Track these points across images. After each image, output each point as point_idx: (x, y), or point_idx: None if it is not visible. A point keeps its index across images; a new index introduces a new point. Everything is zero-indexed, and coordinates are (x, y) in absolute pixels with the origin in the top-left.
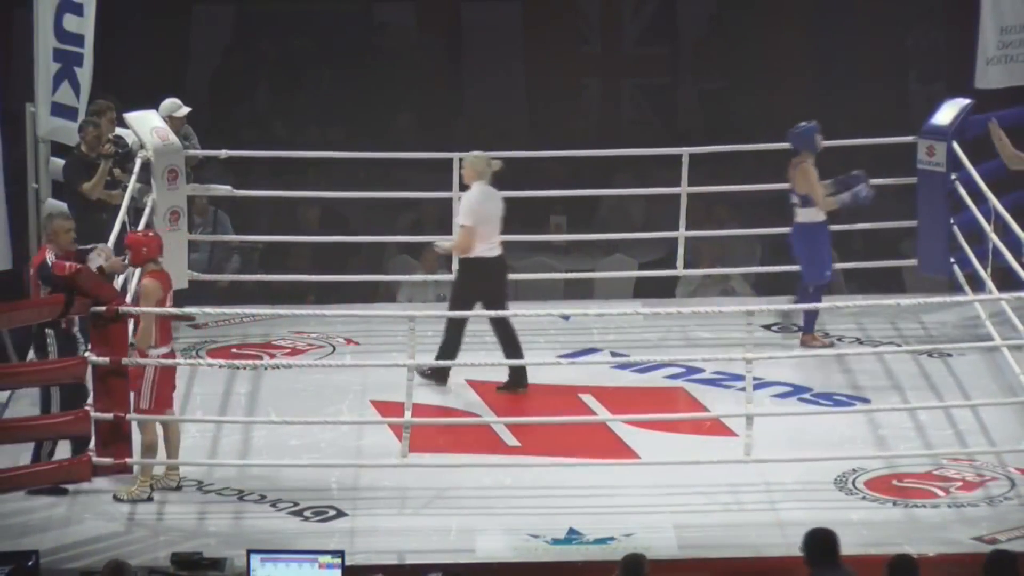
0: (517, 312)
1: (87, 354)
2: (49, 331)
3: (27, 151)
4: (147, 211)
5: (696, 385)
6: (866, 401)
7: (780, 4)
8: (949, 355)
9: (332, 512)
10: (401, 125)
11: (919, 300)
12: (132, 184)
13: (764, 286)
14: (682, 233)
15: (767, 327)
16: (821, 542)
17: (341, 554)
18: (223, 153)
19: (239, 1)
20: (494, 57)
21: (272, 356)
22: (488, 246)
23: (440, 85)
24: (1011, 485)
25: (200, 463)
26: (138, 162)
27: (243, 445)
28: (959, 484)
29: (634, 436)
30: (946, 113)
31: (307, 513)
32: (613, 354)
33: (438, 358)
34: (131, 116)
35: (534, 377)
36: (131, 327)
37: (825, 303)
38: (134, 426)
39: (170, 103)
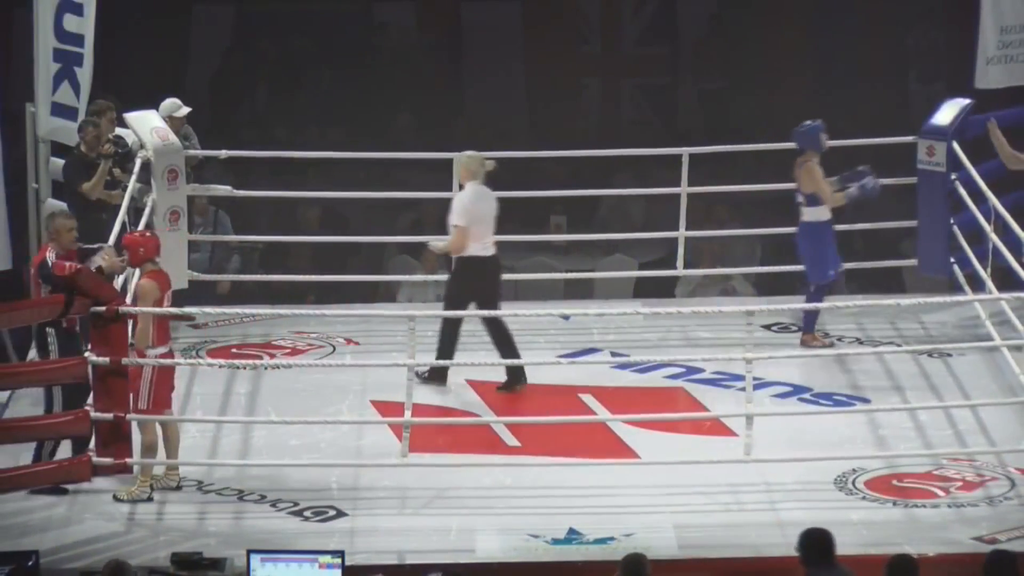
0: (517, 312)
1: (87, 354)
2: (50, 330)
3: (27, 151)
4: (147, 211)
5: (696, 385)
6: (866, 401)
7: (780, 4)
8: (949, 355)
9: (332, 512)
10: (401, 125)
11: (919, 300)
12: (132, 184)
13: (764, 286)
14: (682, 233)
15: (767, 327)
16: (817, 542)
17: (341, 554)
18: (223, 153)
19: (239, 1)
20: (494, 57)
21: (272, 356)
22: (482, 245)
23: (440, 85)
24: (1011, 485)
25: (200, 463)
26: (138, 162)
27: (243, 445)
28: (959, 484)
29: (634, 436)
30: (946, 113)
31: (307, 513)
32: (613, 354)
33: (436, 359)
34: (131, 116)
35: (534, 377)
36: (130, 327)
37: (825, 303)
38: (134, 426)
39: (170, 103)
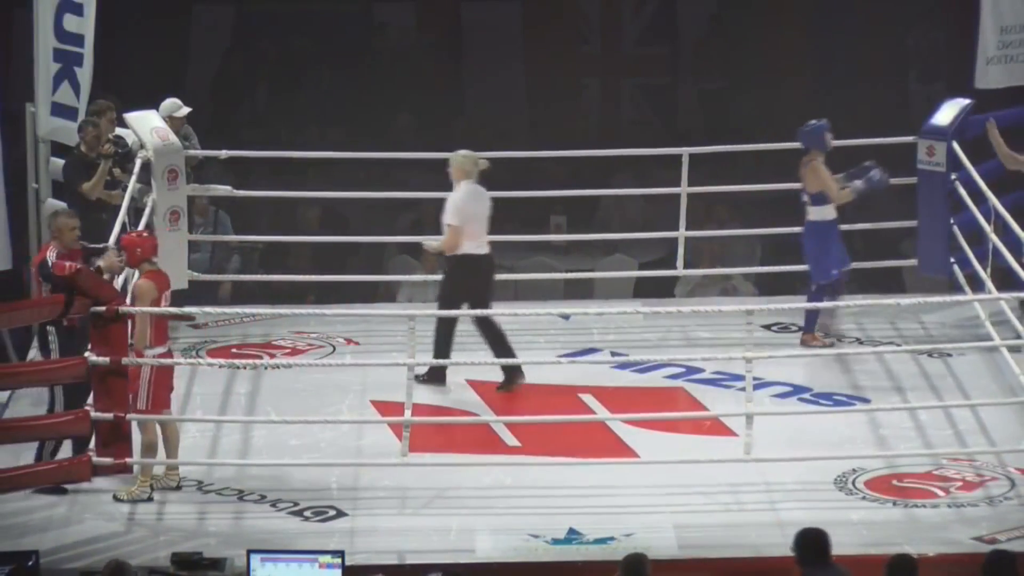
0: (517, 312)
1: (87, 354)
2: (51, 328)
3: (27, 151)
4: (147, 211)
5: (696, 385)
6: (866, 401)
7: (780, 4)
8: (949, 355)
9: (332, 512)
10: (401, 125)
11: (919, 300)
12: (132, 184)
13: (765, 286)
14: (682, 233)
15: (767, 327)
16: (812, 542)
17: (341, 554)
18: (223, 153)
19: (239, 1)
20: (494, 57)
21: (272, 356)
22: (476, 244)
23: (440, 85)
24: (1011, 485)
25: (200, 463)
26: (138, 162)
27: (243, 445)
28: (959, 484)
29: (634, 436)
30: (946, 113)
31: (307, 513)
32: (613, 354)
33: (435, 357)
34: (131, 116)
35: (534, 377)
36: (128, 328)
37: (826, 303)
38: (134, 426)
39: (170, 103)
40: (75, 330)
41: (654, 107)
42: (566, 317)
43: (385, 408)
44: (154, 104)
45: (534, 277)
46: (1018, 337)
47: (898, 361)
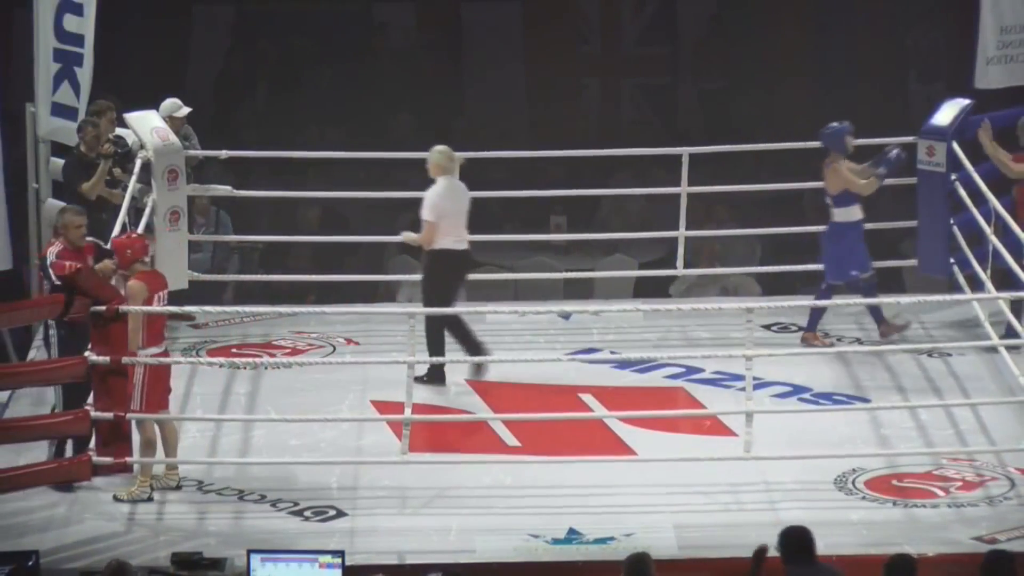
0: (517, 310)
1: (87, 354)
2: (51, 321)
3: (27, 151)
4: (147, 211)
5: (696, 385)
6: (866, 400)
7: (780, 4)
8: (949, 355)
9: (332, 512)
10: (401, 125)
11: (919, 300)
12: (132, 184)
13: (764, 286)
14: (682, 233)
15: (767, 327)
16: (796, 540)
17: (341, 554)
18: (223, 153)
19: (239, 1)
20: (494, 57)
21: (272, 356)
22: (454, 240)
23: (440, 85)
24: (1011, 485)
25: (200, 462)
26: (138, 162)
27: (243, 444)
28: (959, 484)
29: (634, 436)
30: (946, 113)
31: (307, 513)
32: (613, 354)
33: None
34: (131, 116)
35: (534, 377)
36: None
37: (825, 302)
38: (133, 425)
39: (170, 103)
40: (76, 327)
41: (654, 107)
42: (566, 316)
43: (385, 408)
44: (154, 104)
45: (534, 277)
46: (1018, 337)
47: (898, 361)
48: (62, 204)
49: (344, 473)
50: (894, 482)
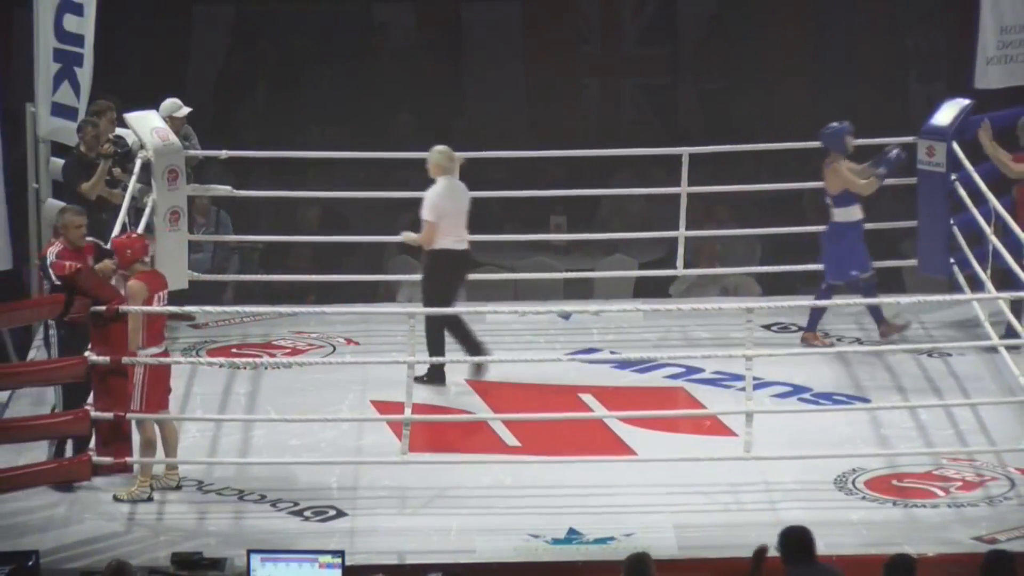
0: (517, 311)
1: (87, 354)
2: (51, 321)
3: (27, 151)
4: (147, 211)
5: (696, 385)
6: (866, 401)
7: (780, 4)
8: (949, 355)
9: (332, 512)
10: (401, 125)
11: (919, 300)
12: (132, 184)
13: (764, 286)
14: (682, 233)
15: (767, 327)
16: (796, 540)
17: (341, 554)
18: (223, 153)
19: (239, 1)
20: (494, 57)
21: (272, 356)
22: (454, 240)
23: (440, 85)
24: (1011, 485)
25: (200, 462)
26: (138, 162)
27: (243, 445)
28: (959, 484)
29: (634, 436)
30: (946, 113)
31: (307, 513)
32: (613, 354)
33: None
34: (131, 116)
35: (534, 377)
36: None
37: (824, 302)
38: (133, 425)
39: (170, 103)
40: (76, 327)
41: (654, 107)
42: (566, 316)
43: (385, 408)
44: (154, 104)
45: (534, 277)
46: (1018, 337)
47: (898, 361)
48: (62, 204)
49: (344, 473)
50: (894, 482)
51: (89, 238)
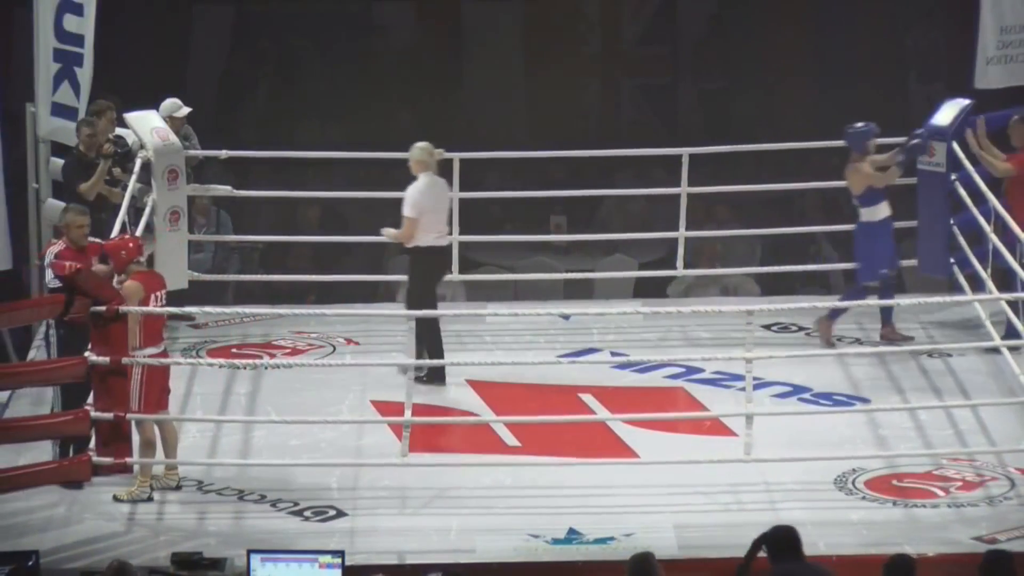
0: (517, 311)
1: (87, 354)
2: (51, 321)
3: (27, 151)
4: (147, 211)
5: (696, 385)
6: (866, 401)
7: (780, 4)
8: (949, 355)
9: (332, 512)
10: (401, 125)
11: (919, 300)
12: (132, 184)
13: (765, 286)
14: (682, 233)
15: (767, 327)
16: (782, 539)
17: (341, 554)
18: (223, 153)
19: (239, 1)
20: (494, 57)
21: (272, 356)
22: (436, 236)
23: (440, 85)
24: (1011, 485)
25: (200, 463)
26: (138, 162)
27: (243, 445)
28: (959, 484)
29: (634, 436)
30: (946, 113)
31: (307, 513)
32: (613, 354)
33: (430, 359)
34: (131, 116)
35: (534, 377)
36: None
37: (826, 303)
38: (133, 425)
39: (170, 103)
40: (76, 327)
41: (654, 107)
42: (566, 317)
43: (385, 408)
44: (154, 104)
45: (534, 277)
46: (1018, 337)
47: (898, 361)
48: (62, 204)
49: (344, 473)
50: (894, 482)
51: (89, 238)
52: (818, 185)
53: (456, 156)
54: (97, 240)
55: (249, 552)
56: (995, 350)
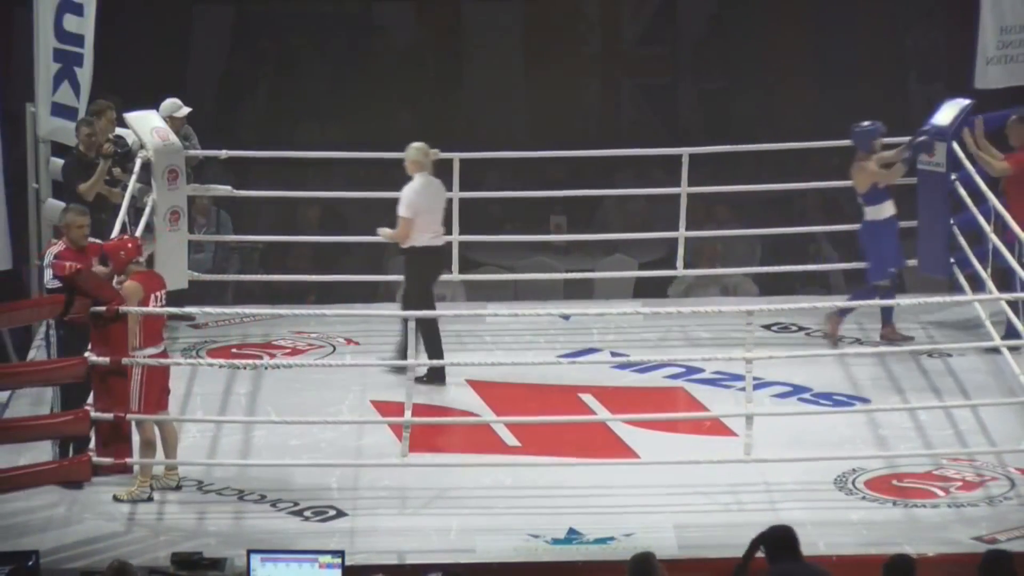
0: (517, 311)
1: (87, 354)
2: (51, 321)
3: (27, 151)
4: (147, 211)
5: (696, 385)
6: (866, 401)
7: (780, 4)
8: (949, 355)
9: (332, 512)
10: (401, 125)
11: (919, 300)
12: (132, 184)
13: (764, 286)
14: (682, 233)
15: (767, 327)
16: (780, 539)
17: (341, 554)
18: (223, 153)
19: (239, 1)
20: (494, 57)
21: (272, 356)
22: (431, 236)
23: (440, 85)
24: (1011, 485)
25: (200, 463)
26: (138, 162)
27: (243, 445)
28: (959, 484)
29: (634, 436)
30: (946, 113)
31: (307, 513)
32: (613, 354)
33: (429, 358)
34: (131, 116)
35: (534, 377)
36: None
37: (826, 303)
38: (133, 425)
39: (170, 103)
40: (76, 327)
41: (654, 107)
42: (566, 317)
43: (385, 408)
44: (154, 104)
45: (534, 277)
46: (1019, 336)
47: (898, 361)
48: (62, 204)
49: (344, 473)
50: (894, 482)
51: (89, 238)
52: (818, 185)
53: (456, 156)
54: (97, 240)
55: (249, 552)
56: (995, 350)
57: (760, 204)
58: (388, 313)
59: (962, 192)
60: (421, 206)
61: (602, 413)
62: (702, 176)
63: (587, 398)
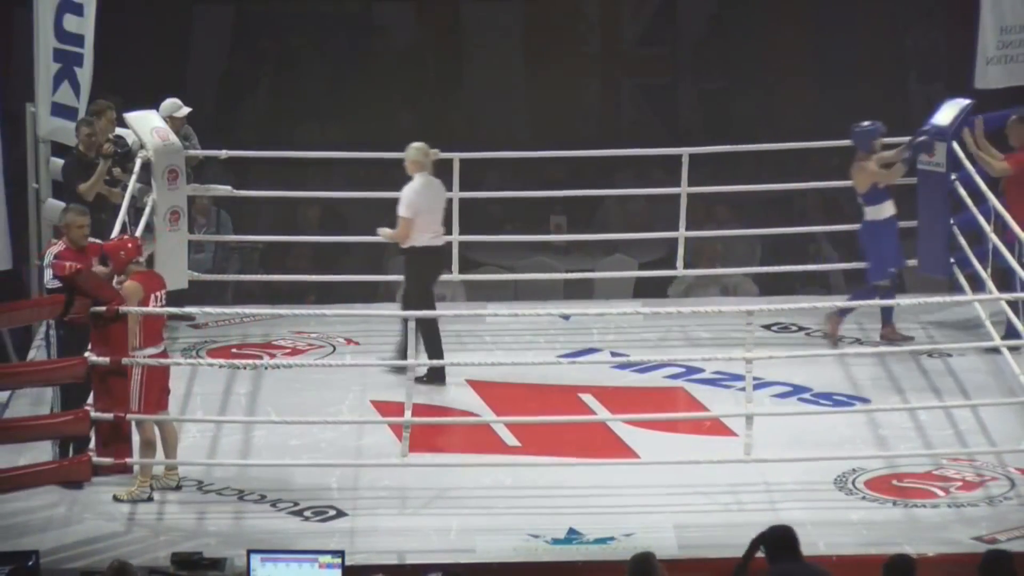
0: (517, 311)
1: (87, 354)
2: (51, 321)
3: (27, 151)
4: (147, 211)
5: (696, 385)
6: (866, 401)
7: (780, 4)
8: (949, 355)
9: (332, 512)
10: (401, 125)
11: (919, 300)
12: (132, 184)
13: (764, 286)
14: (682, 233)
15: (767, 327)
16: (780, 539)
17: (341, 554)
18: (223, 153)
19: (239, 1)
20: (494, 57)
21: (272, 356)
22: (431, 236)
23: (440, 85)
24: (1011, 485)
25: (200, 463)
26: (138, 162)
27: (243, 445)
28: (959, 484)
29: (634, 436)
30: (946, 113)
31: (307, 513)
32: (613, 354)
33: (429, 358)
34: (131, 116)
35: (534, 377)
36: None
37: (826, 303)
38: (133, 425)
39: (170, 103)
40: (76, 327)
41: (654, 107)
42: (566, 317)
43: (385, 408)
44: (154, 104)
45: (534, 277)
46: (1019, 336)
47: (898, 361)
48: (62, 204)
49: (344, 473)
50: (894, 482)
51: (89, 238)
52: (818, 185)
53: (456, 156)
54: (97, 240)
55: (249, 552)
56: (995, 350)
57: (760, 204)
58: (388, 313)
59: (962, 192)
60: (421, 206)
61: (602, 413)
62: (702, 176)
63: (587, 398)
